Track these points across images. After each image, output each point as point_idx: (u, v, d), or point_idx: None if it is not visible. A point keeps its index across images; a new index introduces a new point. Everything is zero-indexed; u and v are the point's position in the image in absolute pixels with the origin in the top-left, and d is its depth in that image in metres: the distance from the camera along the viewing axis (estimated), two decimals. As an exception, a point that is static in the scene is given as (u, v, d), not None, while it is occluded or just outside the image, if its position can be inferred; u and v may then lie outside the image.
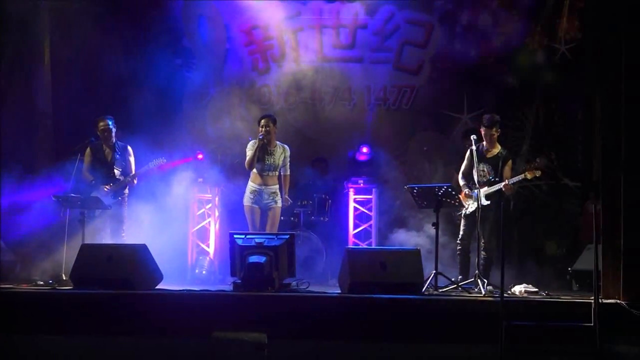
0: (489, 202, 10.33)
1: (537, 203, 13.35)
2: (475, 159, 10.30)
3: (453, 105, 13.64)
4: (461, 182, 10.76)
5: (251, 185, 11.15)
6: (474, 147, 10.39)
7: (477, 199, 10.14)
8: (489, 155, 10.63)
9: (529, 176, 10.47)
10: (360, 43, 14.10)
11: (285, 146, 11.23)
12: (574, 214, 13.12)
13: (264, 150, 11.03)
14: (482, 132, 10.61)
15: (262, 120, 11.10)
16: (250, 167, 11.08)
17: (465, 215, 10.67)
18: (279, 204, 11.20)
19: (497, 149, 10.65)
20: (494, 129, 10.57)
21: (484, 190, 10.37)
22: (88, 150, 11.39)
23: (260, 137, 10.94)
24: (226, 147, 13.21)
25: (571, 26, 13.38)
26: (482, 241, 10.28)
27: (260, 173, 11.06)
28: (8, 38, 12.55)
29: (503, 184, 10.25)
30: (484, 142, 10.68)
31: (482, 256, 10.24)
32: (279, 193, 11.20)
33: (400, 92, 14.01)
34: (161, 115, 13.39)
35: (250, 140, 11.26)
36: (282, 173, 11.29)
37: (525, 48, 13.49)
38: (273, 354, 8.34)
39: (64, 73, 13.43)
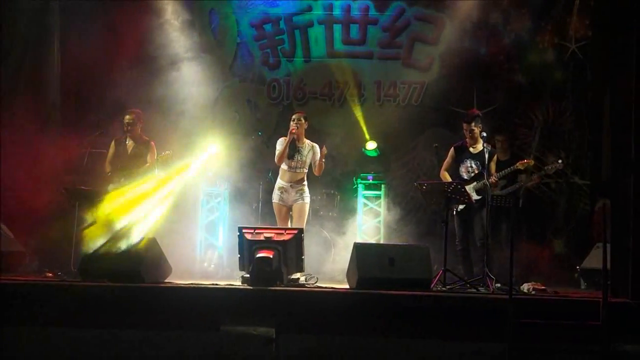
0: (480, 197, 10.37)
1: (546, 201, 13.35)
2: (494, 159, 10.30)
3: (463, 102, 13.58)
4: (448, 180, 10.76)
5: (279, 182, 11.07)
6: (492, 146, 10.35)
7: (487, 195, 10.14)
8: (474, 151, 10.67)
9: (520, 167, 10.66)
10: (371, 39, 14.14)
11: (315, 145, 11.07)
12: (582, 212, 13.14)
13: (292, 147, 10.96)
14: (464, 128, 10.68)
15: (295, 115, 11.06)
16: (280, 161, 10.99)
17: (458, 213, 10.66)
18: (306, 200, 11.02)
19: (481, 144, 10.63)
20: (473, 124, 10.63)
21: (473, 185, 10.53)
22: (113, 143, 11.48)
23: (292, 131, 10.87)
24: (236, 141, 13.18)
25: (582, 25, 13.38)
26: (480, 237, 10.32)
27: (288, 170, 10.98)
28: (18, 30, 12.61)
29: (519, 183, 10.37)
30: (467, 139, 10.72)
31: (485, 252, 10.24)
32: (306, 190, 11.03)
33: (410, 88, 14.03)
34: (171, 110, 13.40)
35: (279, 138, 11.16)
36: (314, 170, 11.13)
37: (536, 46, 13.51)
38: (281, 349, 8.35)
39: (73, 66, 13.42)
